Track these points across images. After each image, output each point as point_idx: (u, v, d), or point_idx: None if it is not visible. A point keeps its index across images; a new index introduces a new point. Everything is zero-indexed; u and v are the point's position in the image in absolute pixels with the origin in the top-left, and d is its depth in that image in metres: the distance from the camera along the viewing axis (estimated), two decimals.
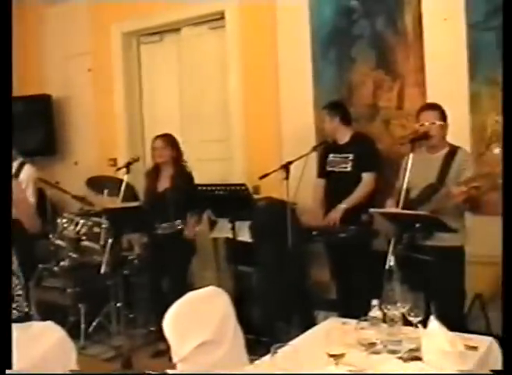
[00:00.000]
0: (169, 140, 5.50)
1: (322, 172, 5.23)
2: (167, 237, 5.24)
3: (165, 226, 5.24)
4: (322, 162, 5.23)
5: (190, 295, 3.09)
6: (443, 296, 3.76)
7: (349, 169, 4.99)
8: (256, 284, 5.40)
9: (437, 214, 3.83)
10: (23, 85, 7.75)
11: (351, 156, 4.99)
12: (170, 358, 2.94)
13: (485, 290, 4.59)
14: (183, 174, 5.42)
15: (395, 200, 4.20)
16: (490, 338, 2.89)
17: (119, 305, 5.30)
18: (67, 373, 2.60)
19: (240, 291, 5.26)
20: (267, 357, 2.48)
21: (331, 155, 5.14)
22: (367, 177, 4.94)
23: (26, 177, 5.22)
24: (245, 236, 5.25)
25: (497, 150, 3.63)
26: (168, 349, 4.98)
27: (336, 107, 5.16)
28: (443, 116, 4.19)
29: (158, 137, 5.57)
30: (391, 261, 3.67)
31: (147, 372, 4.73)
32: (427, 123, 4.15)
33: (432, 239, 4.01)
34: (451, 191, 3.87)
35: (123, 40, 7.28)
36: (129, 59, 7.35)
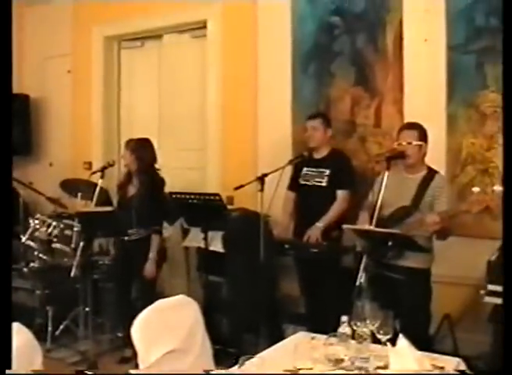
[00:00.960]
0: (138, 144, 5.38)
1: (294, 185, 5.22)
2: (137, 243, 5.19)
3: (132, 232, 5.18)
4: (296, 175, 5.21)
5: (159, 303, 3.08)
6: (409, 315, 3.77)
7: (324, 184, 4.99)
8: (226, 295, 5.40)
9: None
10: None
11: (327, 172, 5.00)
12: (137, 365, 2.93)
13: (453, 311, 4.63)
14: (151, 180, 5.29)
15: (368, 215, 4.21)
16: (457, 359, 2.90)
17: (87, 309, 5.27)
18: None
19: (210, 300, 5.25)
20: (235, 368, 2.48)
21: (305, 169, 5.13)
22: (342, 195, 4.95)
23: None
24: (217, 246, 5.24)
25: (476, 188, 3.67)
26: (134, 356, 4.97)
27: (327, 119, 5.17)
28: (422, 137, 4.18)
29: (128, 141, 5.51)
30: (362, 278, 3.70)
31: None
32: (404, 143, 4.15)
33: (400, 259, 4.02)
34: (424, 218, 3.90)
35: (104, 43, 7.28)
36: (110, 63, 7.34)
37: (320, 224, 4.87)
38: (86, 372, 4.82)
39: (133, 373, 2.84)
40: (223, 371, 2.73)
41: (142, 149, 5.34)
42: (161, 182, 5.34)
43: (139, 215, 5.14)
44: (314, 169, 5.08)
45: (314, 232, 4.86)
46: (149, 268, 5.15)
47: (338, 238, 4.86)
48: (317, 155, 5.11)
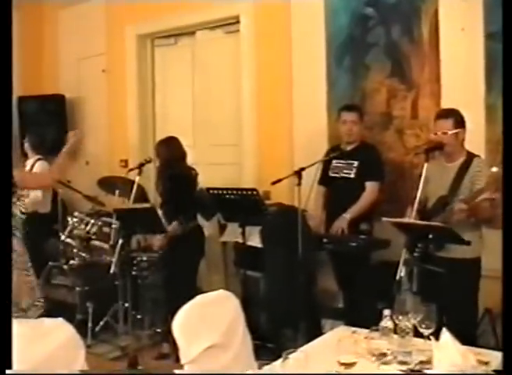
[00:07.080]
0: (160, 144, 5.53)
1: (324, 178, 5.17)
2: (176, 239, 5.21)
3: (171, 228, 5.21)
4: (325, 168, 5.18)
5: (200, 298, 3.08)
6: (455, 309, 3.70)
7: (352, 175, 4.97)
8: (264, 290, 5.39)
9: (452, 225, 3.77)
10: (37, 84, 7.81)
11: (356, 163, 4.97)
12: (177, 360, 2.92)
13: (495, 305, 4.54)
14: (176, 177, 5.31)
15: (413, 209, 4.08)
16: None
17: (126, 305, 5.32)
18: (71, 372, 2.59)
19: (248, 295, 5.24)
20: (277, 362, 2.46)
21: (335, 161, 5.10)
22: (370, 186, 4.93)
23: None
24: (255, 241, 5.23)
25: (495, 168, 3.55)
26: (173, 351, 5.00)
27: (362, 112, 5.15)
28: (459, 123, 4.09)
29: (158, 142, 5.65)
30: (402, 271, 3.65)
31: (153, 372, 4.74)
32: (439, 133, 4.09)
33: (447, 250, 3.93)
34: (456, 206, 3.83)
35: (138, 42, 7.31)
36: (144, 61, 7.38)
37: (347, 215, 4.86)
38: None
39: (178, 374, 2.83)
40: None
41: (164, 148, 5.45)
42: (189, 178, 5.38)
43: (166, 211, 5.24)
44: (343, 162, 5.05)
45: (340, 223, 4.86)
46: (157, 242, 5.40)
47: (368, 231, 4.83)
48: (346, 147, 5.08)
